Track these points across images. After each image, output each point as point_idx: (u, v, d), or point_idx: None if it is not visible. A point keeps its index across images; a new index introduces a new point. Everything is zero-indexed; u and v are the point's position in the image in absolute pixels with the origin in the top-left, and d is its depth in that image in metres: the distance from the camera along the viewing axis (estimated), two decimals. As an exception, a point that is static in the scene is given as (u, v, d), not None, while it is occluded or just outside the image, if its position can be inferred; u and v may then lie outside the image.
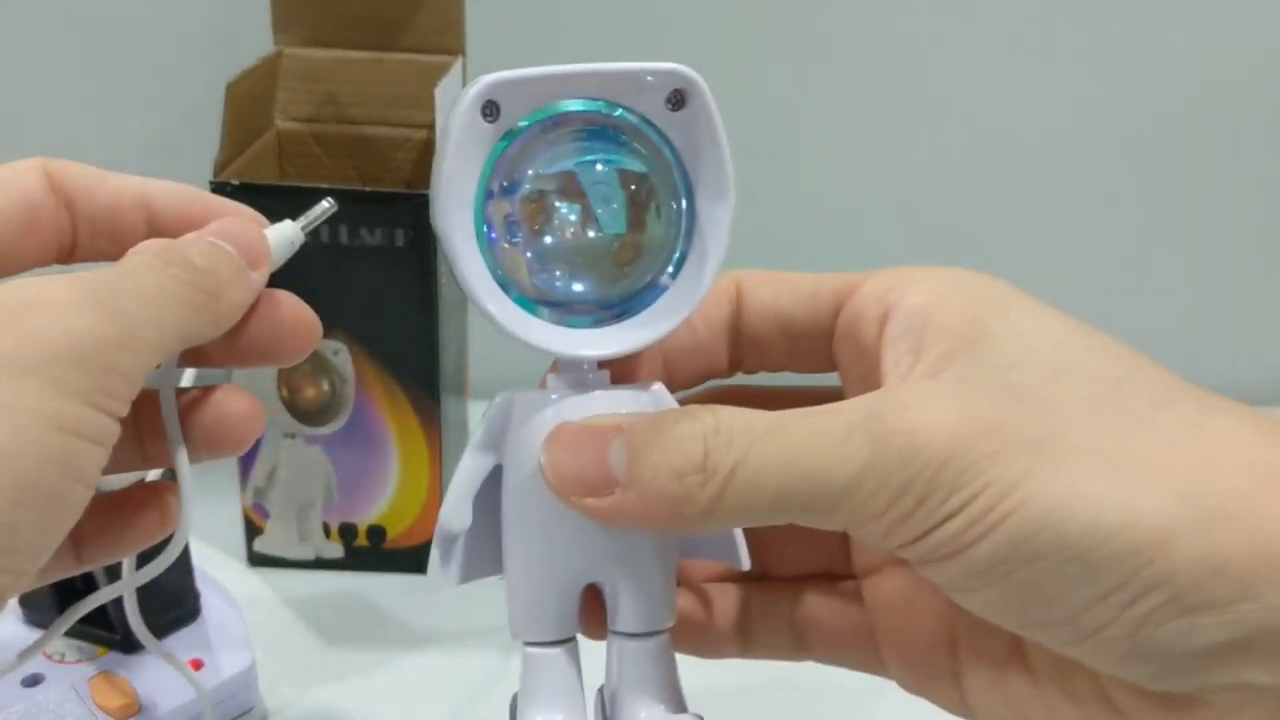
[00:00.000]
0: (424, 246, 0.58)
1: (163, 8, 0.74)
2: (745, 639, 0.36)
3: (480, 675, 0.60)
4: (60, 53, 0.76)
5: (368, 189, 0.60)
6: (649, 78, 0.30)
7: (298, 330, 0.32)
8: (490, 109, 0.29)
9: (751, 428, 0.27)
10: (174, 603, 0.55)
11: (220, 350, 0.31)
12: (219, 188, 0.58)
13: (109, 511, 0.32)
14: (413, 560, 0.66)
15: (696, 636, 0.35)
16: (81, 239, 0.32)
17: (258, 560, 0.66)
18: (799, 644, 0.36)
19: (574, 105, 0.30)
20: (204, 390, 0.32)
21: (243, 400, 0.32)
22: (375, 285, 0.59)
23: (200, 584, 0.56)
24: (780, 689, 0.53)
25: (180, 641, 0.54)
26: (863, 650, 0.35)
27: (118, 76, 0.76)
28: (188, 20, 0.75)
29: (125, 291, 0.27)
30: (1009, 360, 0.27)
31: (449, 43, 0.66)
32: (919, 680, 0.33)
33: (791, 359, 0.34)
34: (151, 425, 0.32)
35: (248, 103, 0.63)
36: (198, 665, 0.53)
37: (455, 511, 0.31)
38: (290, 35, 0.67)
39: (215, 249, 0.30)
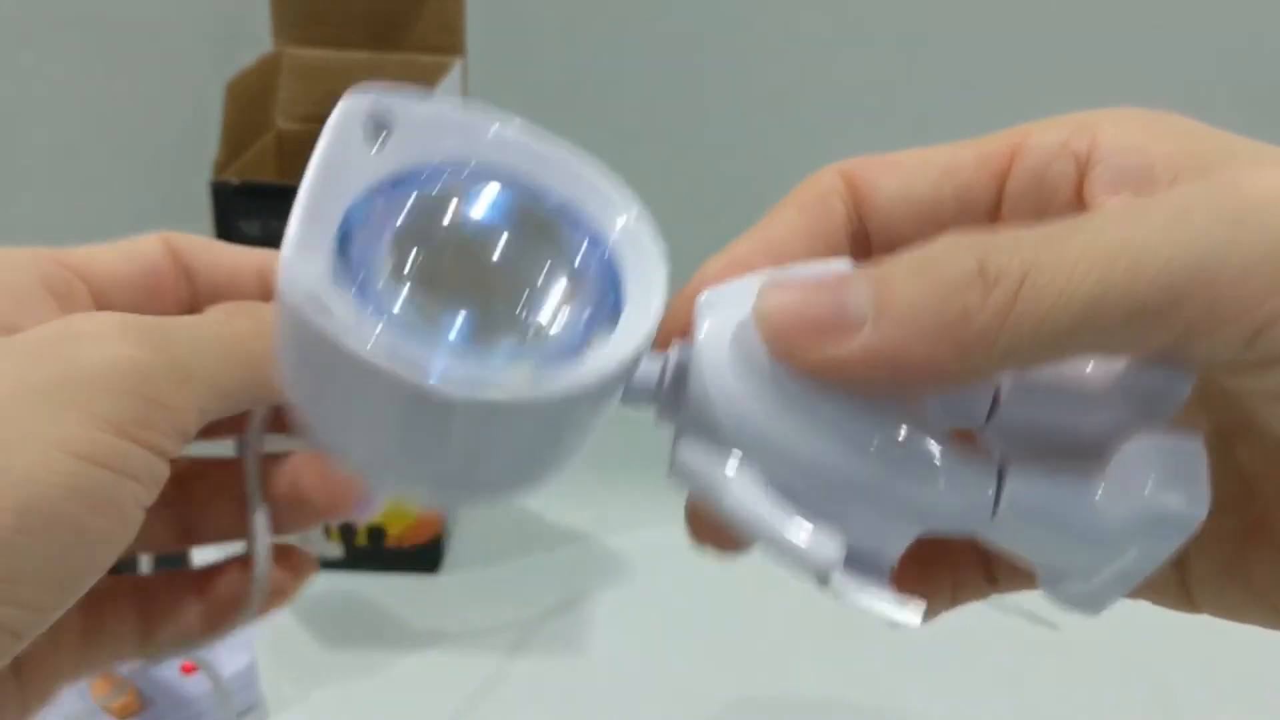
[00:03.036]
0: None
1: (163, 8, 0.74)
2: None
3: (480, 675, 0.60)
4: (60, 53, 0.76)
5: (368, 189, 0.60)
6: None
7: None
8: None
9: (1033, 232, 0.21)
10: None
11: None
12: (219, 187, 0.58)
13: (182, 592, 0.30)
14: (412, 560, 0.66)
15: None
16: (201, 309, 0.31)
17: (258, 560, 0.66)
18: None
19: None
20: (275, 458, 0.30)
21: (323, 470, 0.29)
22: (375, 285, 0.59)
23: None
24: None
25: (180, 641, 0.54)
26: None
27: (118, 76, 0.76)
28: (188, 20, 0.74)
29: (182, 328, 0.26)
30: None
31: (449, 43, 0.66)
32: None
33: None
34: (201, 495, 0.30)
35: (248, 103, 0.63)
36: (198, 665, 0.53)
37: (819, 543, 0.23)
38: (290, 35, 0.67)
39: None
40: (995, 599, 0.28)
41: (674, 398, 0.24)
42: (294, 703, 0.58)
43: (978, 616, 0.34)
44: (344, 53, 0.67)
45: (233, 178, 0.59)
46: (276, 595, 0.31)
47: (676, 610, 0.66)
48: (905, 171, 0.27)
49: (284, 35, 0.67)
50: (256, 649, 0.56)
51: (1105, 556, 0.23)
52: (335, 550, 0.66)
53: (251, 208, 0.58)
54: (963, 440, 0.23)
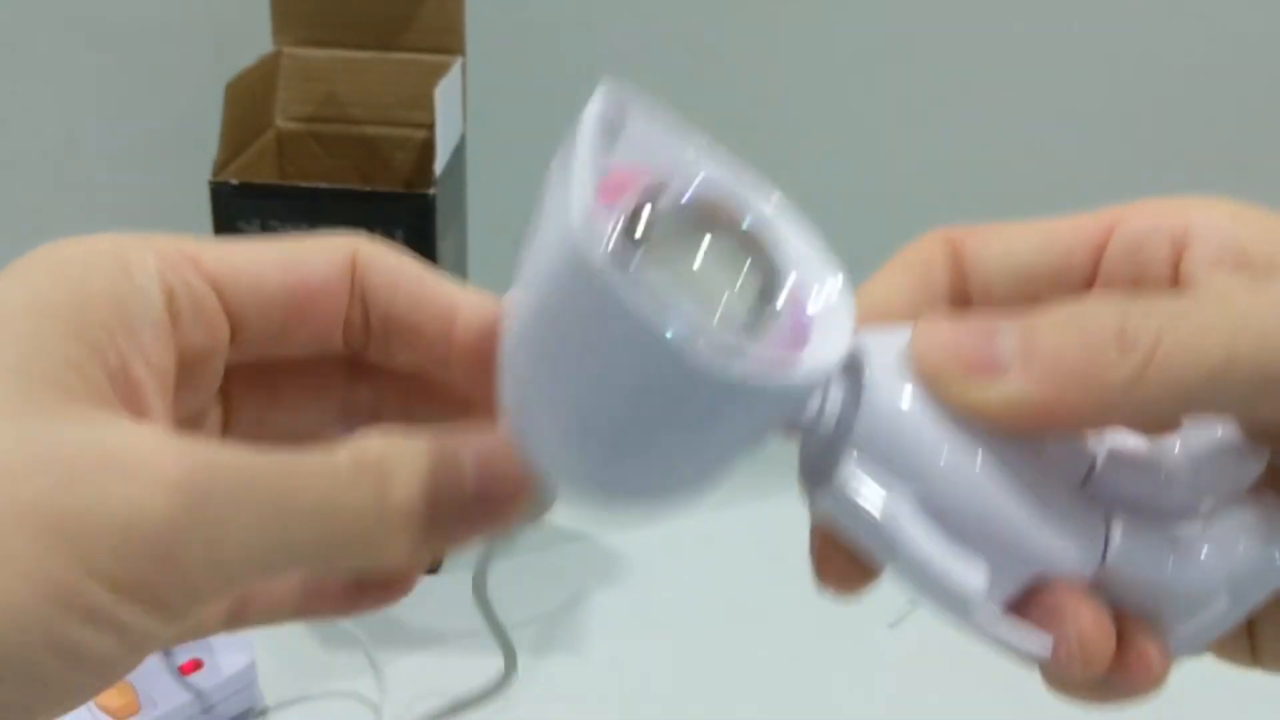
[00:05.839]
0: (424, 246, 0.58)
1: (163, 8, 0.74)
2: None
3: (480, 675, 0.60)
4: (60, 53, 0.76)
5: (367, 189, 0.60)
6: None
7: None
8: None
9: (1171, 299, 0.24)
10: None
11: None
12: (218, 187, 0.58)
13: None
14: (413, 560, 0.66)
15: None
16: (375, 336, 0.28)
17: (258, 560, 0.66)
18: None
19: None
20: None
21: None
22: (375, 285, 0.59)
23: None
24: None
25: (180, 641, 0.54)
26: None
27: (118, 76, 0.76)
28: (188, 20, 0.74)
29: (236, 472, 0.22)
30: None
31: (449, 43, 0.66)
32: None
33: None
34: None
35: (248, 103, 0.63)
36: (198, 665, 0.53)
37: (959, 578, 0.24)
38: (290, 35, 0.67)
39: (440, 477, 0.24)
40: None
41: (836, 427, 0.25)
42: (294, 703, 0.58)
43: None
44: (344, 53, 0.67)
45: (232, 178, 0.59)
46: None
47: (676, 610, 0.65)
48: (1007, 239, 0.29)
49: (284, 35, 0.67)
50: (256, 649, 0.56)
51: (1199, 604, 0.25)
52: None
53: (251, 207, 0.58)
54: (1081, 492, 0.25)
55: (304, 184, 0.61)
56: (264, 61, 0.65)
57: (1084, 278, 0.28)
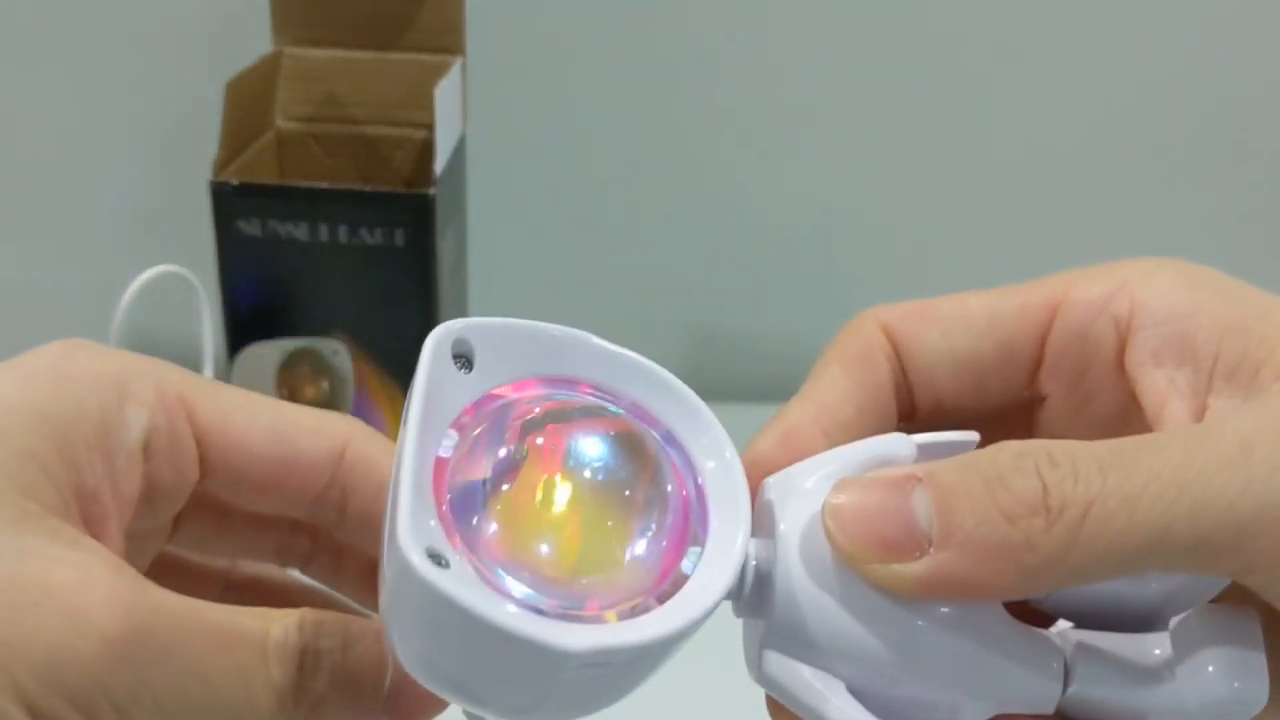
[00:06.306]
0: (423, 246, 0.58)
1: (163, 8, 0.74)
2: None
3: None
4: (60, 53, 0.76)
5: (367, 189, 0.60)
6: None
7: None
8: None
9: (1098, 455, 0.22)
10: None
11: None
12: (218, 187, 0.58)
13: None
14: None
15: None
16: (347, 521, 0.29)
17: (257, 560, 0.66)
18: None
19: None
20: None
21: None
22: (374, 285, 0.59)
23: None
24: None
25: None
26: None
27: (118, 76, 0.76)
28: (188, 20, 0.74)
29: (171, 626, 0.23)
30: None
31: (449, 43, 0.66)
32: None
33: (978, 400, 0.28)
34: None
35: (248, 102, 0.63)
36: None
37: None
38: (290, 35, 0.67)
39: (361, 682, 0.25)
40: None
41: (757, 600, 0.24)
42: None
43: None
44: (344, 53, 0.67)
45: (232, 177, 0.59)
46: None
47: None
48: (946, 324, 0.28)
49: (284, 35, 0.67)
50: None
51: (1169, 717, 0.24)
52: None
53: (251, 207, 0.58)
54: (1027, 627, 0.25)
55: (304, 184, 0.61)
56: (264, 61, 0.65)
57: (1029, 364, 0.28)
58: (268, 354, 0.62)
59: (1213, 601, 0.25)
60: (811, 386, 0.28)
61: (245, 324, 0.61)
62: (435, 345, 0.25)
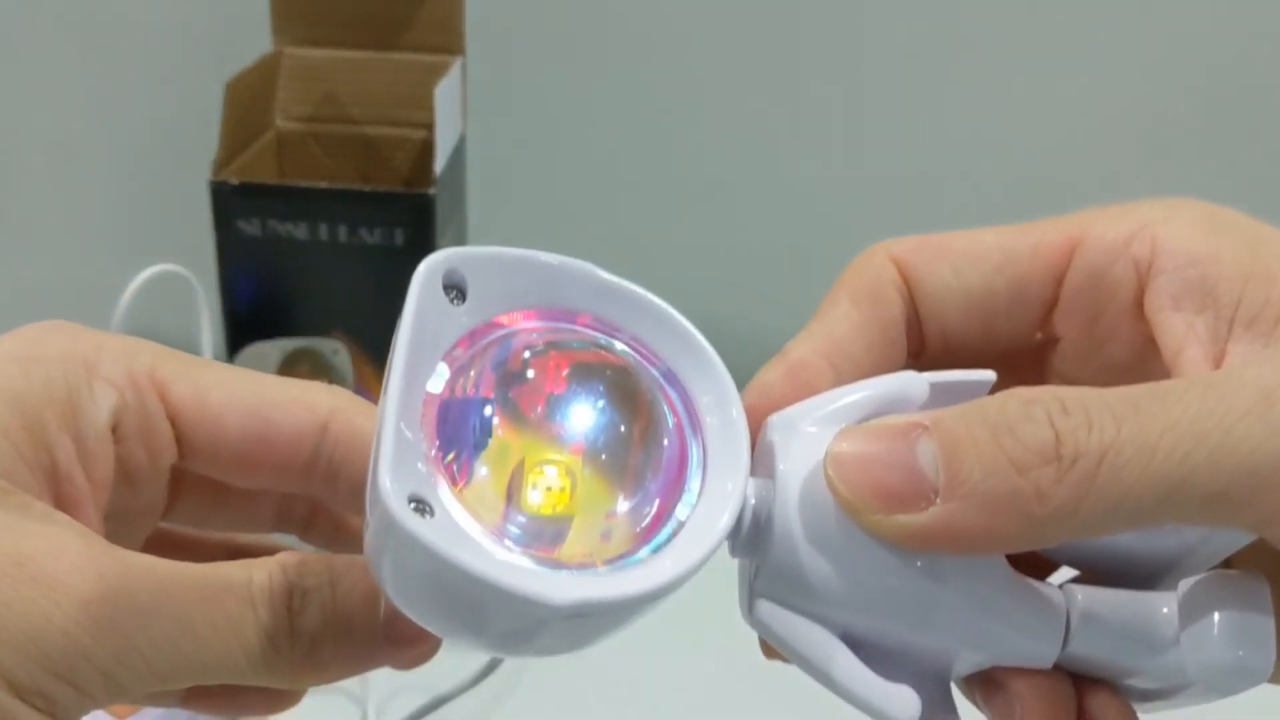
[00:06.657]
0: (423, 246, 0.58)
1: (163, 8, 0.74)
2: None
3: (464, 670, 0.60)
4: (60, 52, 0.76)
5: (367, 189, 0.60)
6: None
7: None
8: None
9: (1112, 404, 0.21)
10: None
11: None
12: (218, 187, 0.58)
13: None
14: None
15: None
16: (338, 491, 0.28)
17: (257, 560, 0.66)
18: None
19: None
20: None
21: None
22: (374, 285, 0.59)
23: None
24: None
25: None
26: None
27: (117, 76, 0.76)
28: (188, 20, 0.74)
29: (150, 587, 0.23)
30: None
31: (449, 43, 0.66)
32: None
33: (986, 341, 0.27)
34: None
35: (247, 102, 0.63)
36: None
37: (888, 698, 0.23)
38: (290, 35, 0.67)
39: (353, 615, 0.25)
40: None
41: (754, 541, 0.24)
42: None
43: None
44: (344, 53, 0.67)
45: (232, 177, 0.59)
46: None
47: (676, 609, 0.65)
48: (958, 260, 0.27)
49: (284, 35, 0.67)
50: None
51: (1169, 686, 0.24)
52: (334, 550, 0.66)
53: (251, 207, 0.58)
54: (1029, 579, 0.24)
55: (304, 184, 0.61)
56: (264, 61, 0.65)
57: (1043, 305, 0.27)
58: (267, 354, 0.62)
59: (1226, 565, 0.24)
60: (820, 320, 0.27)
61: (245, 324, 0.61)
62: (425, 275, 0.24)
